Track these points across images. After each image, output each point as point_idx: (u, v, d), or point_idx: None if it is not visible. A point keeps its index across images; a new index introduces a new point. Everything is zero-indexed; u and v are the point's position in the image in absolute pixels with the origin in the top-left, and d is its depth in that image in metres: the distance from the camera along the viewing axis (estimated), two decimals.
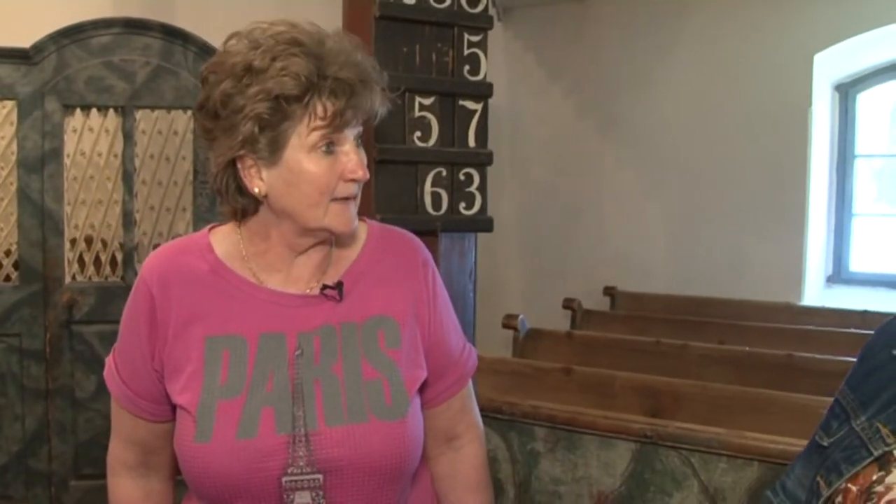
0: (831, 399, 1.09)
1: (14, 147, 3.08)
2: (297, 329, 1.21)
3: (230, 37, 1.18)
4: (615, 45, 4.80)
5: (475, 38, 2.14)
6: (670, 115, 4.65)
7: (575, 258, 4.97)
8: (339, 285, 1.24)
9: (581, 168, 4.96)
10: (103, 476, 1.35)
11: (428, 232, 2.02)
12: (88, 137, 3.15)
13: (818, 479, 1.02)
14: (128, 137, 3.15)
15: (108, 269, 3.21)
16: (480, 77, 2.15)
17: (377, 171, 2.01)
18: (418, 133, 2.08)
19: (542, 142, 5.10)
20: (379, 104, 1.21)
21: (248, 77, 1.13)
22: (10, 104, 3.07)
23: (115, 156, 3.17)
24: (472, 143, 2.15)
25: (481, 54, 2.15)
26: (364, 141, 1.23)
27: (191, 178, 3.23)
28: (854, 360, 1.09)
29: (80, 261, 3.19)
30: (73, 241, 3.17)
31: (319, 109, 1.14)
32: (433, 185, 2.11)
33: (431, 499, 1.39)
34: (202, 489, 1.18)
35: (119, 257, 3.20)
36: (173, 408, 1.23)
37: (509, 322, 3.69)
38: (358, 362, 1.22)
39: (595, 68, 4.88)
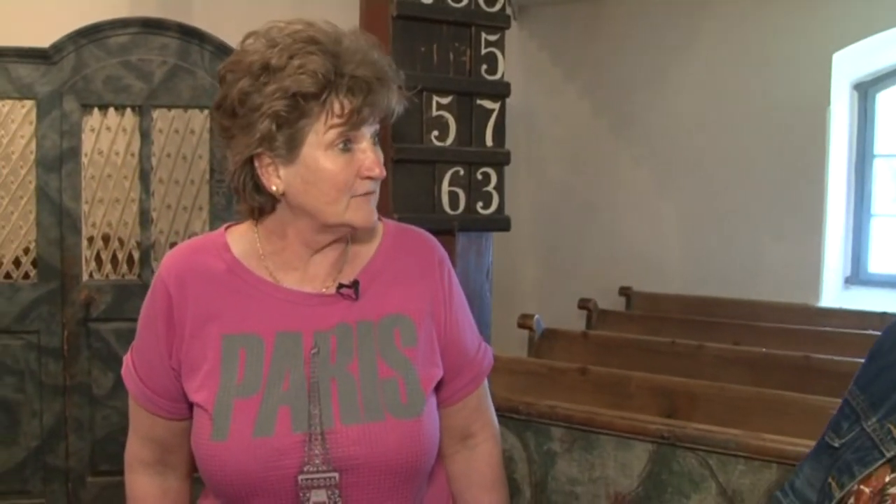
0: None
1: (33, 146, 3.10)
2: (313, 328, 1.22)
3: (247, 36, 1.19)
4: (631, 43, 4.78)
5: (493, 38, 2.14)
6: (686, 114, 4.62)
7: (590, 257, 4.96)
8: (355, 284, 1.24)
9: (596, 167, 4.95)
10: (120, 472, 1.36)
11: (445, 231, 2.02)
12: (106, 136, 3.17)
13: (830, 480, 1.01)
14: (145, 136, 3.17)
15: (124, 268, 3.22)
16: (498, 76, 2.15)
17: (395, 170, 2.01)
18: (436, 132, 2.09)
19: (558, 141, 5.09)
20: (396, 102, 1.21)
21: (266, 75, 1.13)
22: (29, 103, 3.09)
23: (133, 155, 3.19)
24: (489, 142, 2.15)
25: (499, 53, 2.15)
26: (381, 139, 1.23)
27: (207, 176, 3.24)
28: None
29: (98, 259, 3.20)
30: (91, 240, 3.19)
31: (337, 107, 1.14)
32: (451, 184, 2.11)
33: (447, 497, 1.39)
34: (219, 487, 1.19)
35: (136, 255, 3.22)
36: (190, 406, 1.23)
37: (525, 322, 3.68)
38: (374, 361, 1.22)
39: (611, 67, 4.86)
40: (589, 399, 2.73)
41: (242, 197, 1.23)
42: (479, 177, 2.14)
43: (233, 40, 1.26)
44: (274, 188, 1.18)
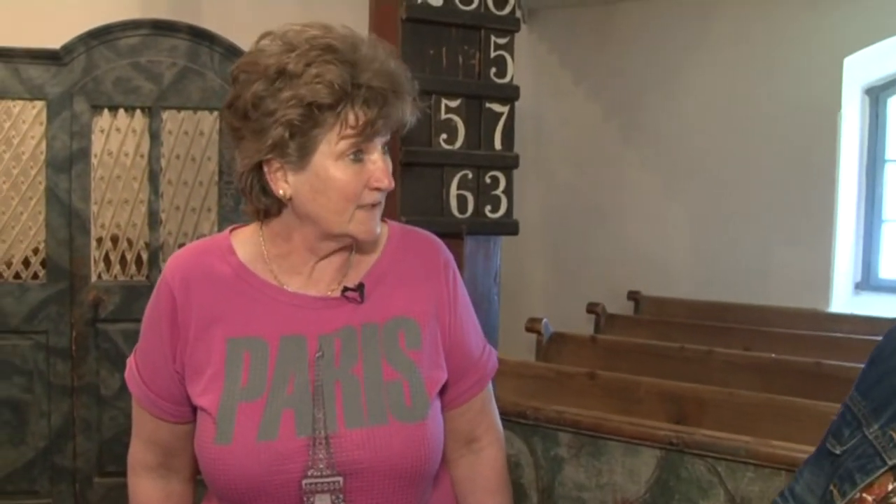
0: None
1: (43, 147, 3.11)
2: (317, 331, 1.21)
3: (263, 36, 1.18)
4: (640, 47, 4.77)
5: (502, 41, 2.13)
6: (695, 117, 4.60)
7: (598, 261, 4.95)
8: (360, 287, 1.24)
9: (605, 171, 4.94)
10: (127, 473, 1.35)
11: (453, 234, 2.01)
12: (116, 138, 3.18)
13: (832, 488, 1.00)
14: (154, 138, 3.18)
15: (133, 269, 3.23)
16: (507, 80, 2.14)
17: (403, 173, 2.00)
18: (444, 135, 2.08)
19: (567, 144, 5.08)
20: (409, 113, 1.20)
21: (281, 81, 1.12)
22: (39, 104, 3.10)
23: (142, 156, 3.20)
24: (498, 145, 2.14)
25: (508, 57, 2.14)
26: (390, 144, 1.22)
27: (216, 178, 3.25)
28: None
29: (106, 260, 3.21)
30: (100, 240, 3.20)
31: (351, 118, 1.13)
32: (459, 187, 2.10)
33: (452, 502, 1.38)
34: (222, 491, 1.18)
35: (144, 256, 3.22)
36: (194, 409, 1.23)
37: (533, 326, 3.68)
38: (378, 363, 1.22)
39: (620, 70, 4.85)
40: (597, 404, 2.72)
41: (249, 199, 1.22)
42: (488, 180, 2.13)
43: (243, 42, 1.25)
44: (282, 193, 1.17)
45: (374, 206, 1.19)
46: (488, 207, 2.14)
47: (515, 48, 2.16)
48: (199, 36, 3.19)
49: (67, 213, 3.11)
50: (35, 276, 3.15)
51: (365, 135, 1.14)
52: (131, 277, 3.23)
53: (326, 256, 1.24)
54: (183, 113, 3.21)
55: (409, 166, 2.03)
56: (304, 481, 1.15)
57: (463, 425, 1.35)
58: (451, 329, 1.30)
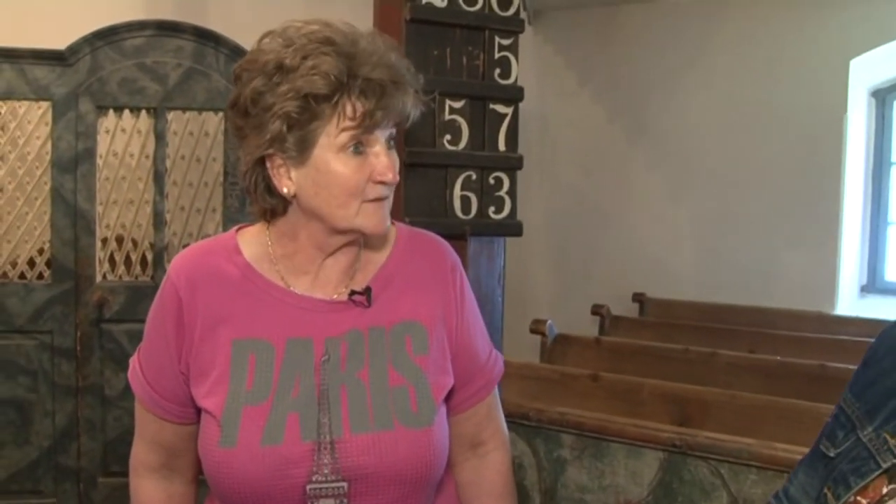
0: None
1: (48, 147, 3.11)
2: (324, 334, 1.21)
3: (264, 35, 1.18)
4: (645, 48, 4.76)
5: (506, 42, 2.13)
6: (701, 120, 4.60)
7: (603, 263, 4.94)
8: (367, 291, 1.23)
9: (610, 172, 4.93)
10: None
11: (457, 236, 2.01)
12: (121, 138, 3.18)
13: (826, 491, 0.99)
14: (159, 138, 3.18)
15: (138, 269, 3.24)
16: (511, 81, 2.14)
17: (407, 174, 2.00)
18: (448, 136, 2.08)
19: (571, 146, 5.07)
20: (411, 106, 1.19)
21: (279, 75, 1.12)
22: (45, 105, 3.11)
23: (147, 156, 3.20)
24: (502, 147, 2.14)
25: (512, 58, 2.13)
26: (396, 140, 1.21)
27: (221, 179, 3.25)
28: None
29: (111, 260, 3.22)
30: (105, 241, 3.20)
31: (349, 109, 1.13)
32: (463, 188, 2.10)
33: None
34: (226, 494, 1.18)
35: (149, 257, 3.23)
36: (198, 410, 1.22)
37: (537, 327, 3.67)
38: (385, 368, 1.21)
39: (625, 72, 4.84)
40: (601, 405, 2.71)
41: (254, 198, 1.22)
42: (492, 181, 2.13)
43: (248, 43, 1.25)
44: (285, 190, 1.17)
45: (381, 199, 1.18)
46: (492, 208, 2.13)
47: (520, 49, 2.15)
48: (205, 37, 3.20)
49: (72, 214, 3.12)
50: (40, 276, 3.16)
51: (364, 126, 1.13)
52: (136, 278, 3.24)
53: (333, 254, 1.23)
54: (188, 114, 3.22)
55: (413, 167, 2.03)
56: (308, 486, 1.14)
57: (468, 429, 1.35)
58: (458, 333, 1.29)
